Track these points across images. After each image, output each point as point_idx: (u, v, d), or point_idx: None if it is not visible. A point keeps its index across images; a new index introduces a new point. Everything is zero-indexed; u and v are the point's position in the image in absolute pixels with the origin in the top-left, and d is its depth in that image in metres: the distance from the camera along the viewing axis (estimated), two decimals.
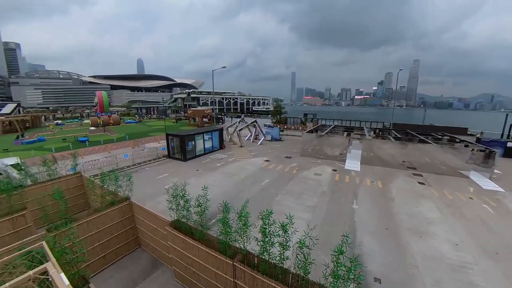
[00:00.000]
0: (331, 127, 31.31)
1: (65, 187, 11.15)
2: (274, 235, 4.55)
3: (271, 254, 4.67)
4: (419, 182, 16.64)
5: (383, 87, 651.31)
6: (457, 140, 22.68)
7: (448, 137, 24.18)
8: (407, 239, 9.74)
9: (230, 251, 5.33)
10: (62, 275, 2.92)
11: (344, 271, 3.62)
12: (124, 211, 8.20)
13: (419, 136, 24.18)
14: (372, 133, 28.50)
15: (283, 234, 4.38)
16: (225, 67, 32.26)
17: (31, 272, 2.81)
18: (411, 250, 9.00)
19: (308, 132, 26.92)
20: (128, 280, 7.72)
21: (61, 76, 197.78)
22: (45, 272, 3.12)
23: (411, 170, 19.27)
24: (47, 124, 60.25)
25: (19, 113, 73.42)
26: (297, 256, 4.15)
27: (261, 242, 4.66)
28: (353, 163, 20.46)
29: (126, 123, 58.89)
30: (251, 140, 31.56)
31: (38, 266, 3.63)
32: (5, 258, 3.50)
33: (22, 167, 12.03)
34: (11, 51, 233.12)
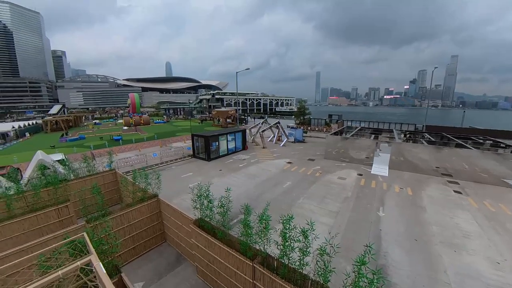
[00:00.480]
0: (357, 129, 30.10)
1: (102, 182, 12.22)
2: (294, 240, 4.56)
3: (290, 258, 4.68)
4: (455, 191, 15.32)
5: (415, 86, 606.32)
6: (502, 145, 20.43)
7: (491, 142, 21.89)
8: (439, 252, 9.03)
9: (250, 253, 5.44)
10: (100, 264, 3.24)
11: (366, 282, 3.52)
12: (152, 207, 8.77)
13: (456, 140, 22.24)
14: (402, 135, 26.86)
15: (304, 239, 4.37)
16: (248, 68, 32.71)
17: (79, 263, 3.15)
18: (443, 265, 8.33)
19: (333, 134, 26.18)
20: (154, 271, 8.23)
21: (99, 79, 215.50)
22: (88, 263, 3.49)
23: (446, 177, 17.80)
24: (85, 124, 66.24)
25: (64, 113, 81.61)
26: (317, 263, 4.12)
27: (281, 246, 4.69)
28: (380, 168, 19.47)
29: (155, 123, 62.42)
30: (274, 142, 31.54)
31: (79, 254, 4.08)
32: (53, 245, 3.96)
33: (66, 163, 13.39)
34: (58, 58, 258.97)
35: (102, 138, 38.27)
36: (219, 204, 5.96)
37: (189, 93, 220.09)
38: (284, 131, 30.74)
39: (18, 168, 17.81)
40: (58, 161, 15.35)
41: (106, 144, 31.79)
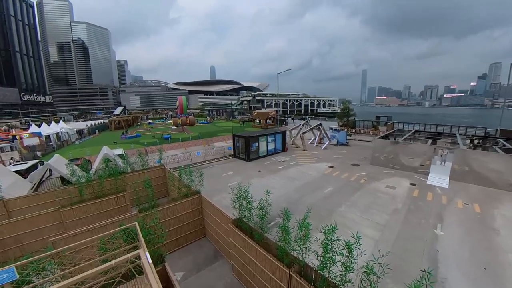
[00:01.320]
0: (410, 132, 26.97)
1: (152, 176, 13.51)
2: (337, 252, 4.22)
3: (331, 272, 4.35)
4: None
5: (486, 82, 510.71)
6: None
7: None
8: None
9: (287, 260, 5.26)
10: (147, 253, 3.50)
11: None
12: (195, 203, 9.30)
13: None
14: (468, 141, 23.05)
15: (348, 253, 4.00)
16: (290, 69, 32.29)
17: (129, 255, 3.47)
18: None
19: (382, 137, 23.97)
20: (193, 264, 8.67)
21: (153, 84, 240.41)
22: (138, 256, 3.82)
23: None
24: (139, 123, 74.44)
25: (125, 114, 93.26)
26: (361, 282, 3.73)
27: (322, 257, 4.40)
28: (439, 178, 17.01)
29: (199, 123, 66.59)
30: (315, 144, 30.46)
31: (131, 241, 4.50)
32: (111, 231, 4.48)
33: (125, 157, 15.20)
34: (121, 66, 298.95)
35: (154, 136, 42.47)
36: (258, 206, 5.93)
37: (231, 95, 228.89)
38: (326, 133, 29.43)
39: (89, 160, 20.98)
40: (119, 155, 17.55)
41: (157, 142, 35.19)
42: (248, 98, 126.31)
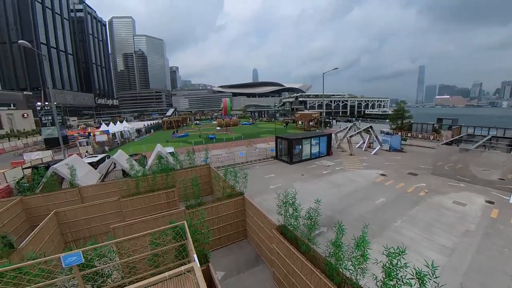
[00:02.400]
0: (485, 138, 22.62)
1: (198, 174, 14.19)
2: (403, 281, 3.53)
3: None
4: None
5: None
6: None
7: None
8: None
9: (337, 278, 4.70)
10: (195, 256, 3.46)
11: None
12: (238, 204, 9.33)
13: None
14: None
15: (419, 285, 3.30)
16: (337, 68, 30.56)
17: (183, 268, 3.47)
18: None
19: (446, 143, 20.69)
20: (234, 265, 8.64)
21: (200, 87, 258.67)
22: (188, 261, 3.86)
23: None
24: (185, 124, 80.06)
25: (175, 115, 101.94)
26: None
27: (383, 284, 3.75)
28: None
29: (242, 124, 68.42)
30: (364, 149, 28.08)
31: (179, 239, 4.58)
32: (162, 227, 4.65)
33: (175, 155, 16.34)
34: (173, 72, 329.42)
35: (201, 136, 45.15)
36: (307, 215, 5.49)
37: (273, 96, 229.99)
38: (377, 137, 26.83)
39: (145, 156, 23.31)
40: (170, 153, 19.01)
41: (203, 141, 37.28)
42: (290, 100, 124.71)
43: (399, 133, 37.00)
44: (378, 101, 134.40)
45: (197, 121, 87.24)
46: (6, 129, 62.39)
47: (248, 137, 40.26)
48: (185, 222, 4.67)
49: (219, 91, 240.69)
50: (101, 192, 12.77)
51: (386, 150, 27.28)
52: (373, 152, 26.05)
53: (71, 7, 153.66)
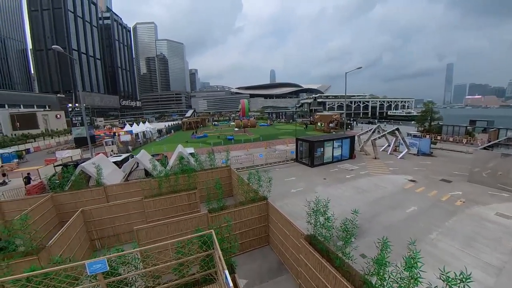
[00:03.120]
0: None
1: (219, 176, 14.01)
2: None
3: None
4: None
5: None
6: None
7: None
8: None
9: None
10: (226, 272, 3.12)
11: None
12: (261, 209, 8.94)
13: None
14: None
15: None
16: (361, 67, 29.25)
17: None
18: None
19: (485, 148, 18.85)
20: (257, 273, 8.23)
21: (218, 89, 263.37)
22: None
23: None
24: (201, 125, 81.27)
25: (194, 116, 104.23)
26: None
27: None
28: None
29: (260, 126, 68.17)
30: (389, 152, 26.53)
31: (205, 249, 4.28)
32: (188, 236, 4.39)
33: (196, 156, 16.34)
34: (192, 75, 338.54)
35: (219, 137, 45.50)
36: (343, 228, 4.97)
37: (290, 97, 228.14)
38: (404, 140, 25.21)
39: (166, 156, 23.74)
40: (191, 154, 19.11)
41: (222, 142, 37.46)
42: (309, 101, 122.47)
43: (428, 136, 34.63)
44: (402, 101, 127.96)
45: (215, 122, 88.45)
46: (42, 129, 67.33)
47: (267, 139, 39.84)
48: (212, 231, 4.37)
49: (236, 93, 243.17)
50: (125, 191, 13.02)
51: (414, 154, 25.55)
52: (399, 156, 24.50)
53: (99, 15, 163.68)
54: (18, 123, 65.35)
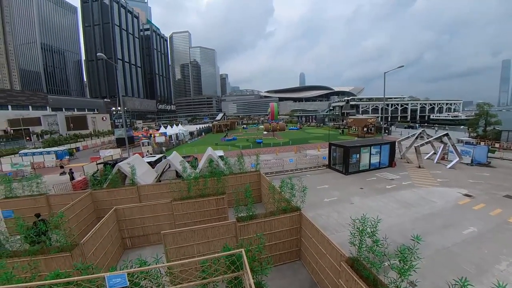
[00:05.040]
0: None
1: (248, 181, 13.59)
2: None
3: None
4: None
5: None
6: None
7: None
8: None
9: None
10: None
11: None
12: (294, 220, 8.19)
13: None
14: None
15: None
16: (402, 66, 26.60)
17: None
18: None
19: None
20: None
21: (247, 93, 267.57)
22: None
23: None
24: (232, 128, 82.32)
25: (224, 119, 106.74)
26: None
27: None
28: None
29: (289, 129, 66.91)
30: (435, 161, 23.55)
31: (234, 269, 3.73)
32: (216, 255, 3.90)
33: (225, 159, 16.18)
34: (223, 79, 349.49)
35: (248, 140, 45.51)
36: (399, 256, 4.04)
37: (320, 100, 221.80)
38: (455, 147, 22.14)
39: (196, 158, 24.19)
40: (220, 156, 19.09)
41: (251, 145, 37.28)
42: (341, 104, 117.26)
43: (483, 143, 30.18)
44: (447, 103, 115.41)
45: (244, 125, 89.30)
46: (90, 130, 74.97)
47: (296, 143, 38.62)
48: (243, 250, 3.83)
49: (265, 96, 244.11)
50: (156, 192, 13.28)
51: (467, 164, 22.29)
52: (449, 166, 21.55)
53: (141, 27, 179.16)
54: (72, 124, 73.76)
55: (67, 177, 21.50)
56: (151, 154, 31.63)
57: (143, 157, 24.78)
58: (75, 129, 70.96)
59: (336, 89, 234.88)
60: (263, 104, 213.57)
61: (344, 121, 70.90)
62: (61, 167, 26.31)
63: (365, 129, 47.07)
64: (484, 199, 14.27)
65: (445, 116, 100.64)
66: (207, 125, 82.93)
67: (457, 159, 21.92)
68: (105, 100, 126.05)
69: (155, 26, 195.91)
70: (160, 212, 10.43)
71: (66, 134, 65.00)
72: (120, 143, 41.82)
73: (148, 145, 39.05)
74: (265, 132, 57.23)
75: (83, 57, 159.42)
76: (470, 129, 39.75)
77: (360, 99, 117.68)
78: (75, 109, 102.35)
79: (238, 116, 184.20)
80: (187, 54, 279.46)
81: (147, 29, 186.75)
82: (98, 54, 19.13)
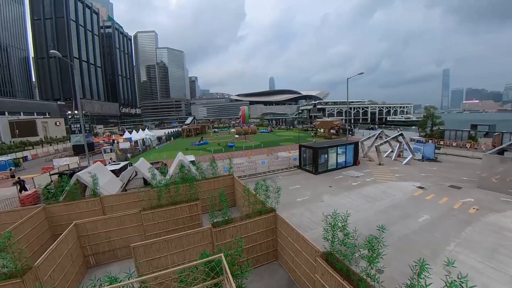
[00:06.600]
0: None
1: (222, 185, 13.39)
2: None
3: None
4: None
5: None
6: None
7: None
8: None
9: None
10: None
11: None
12: (269, 222, 8.29)
13: None
14: None
15: None
16: (362, 73, 28.91)
17: None
18: None
19: (495, 152, 18.33)
20: None
21: (218, 96, 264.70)
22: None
23: None
24: (200, 132, 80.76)
25: (194, 123, 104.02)
26: None
27: None
28: None
29: (260, 132, 67.71)
30: (393, 158, 25.96)
31: (214, 276, 3.66)
32: (194, 263, 3.77)
33: (197, 164, 15.73)
34: (192, 82, 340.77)
35: (220, 144, 44.92)
36: (367, 246, 4.36)
37: (289, 104, 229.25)
38: (409, 146, 24.69)
39: (166, 164, 23.10)
40: (191, 162, 18.50)
41: (222, 149, 36.87)
42: (309, 107, 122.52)
43: (430, 141, 34.16)
44: (401, 107, 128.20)
45: (215, 129, 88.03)
46: (41, 136, 66.74)
47: (268, 145, 39.26)
48: (222, 255, 3.77)
49: (236, 100, 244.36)
50: (123, 202, 12.34)
51: (419, 160, 25.02)
52: (404, 162, 23.93)
53: (101, 24, 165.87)
54: (17, 130, 64.81)
55: (14, 190, 18.74)
56: (114, 161, 29.34)
57: (105, 165, 22.90)
58: (21, 136, 62.48)
59: (304, 93, 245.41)
60: (234, 108, 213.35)
61: (313, 123, 74.22)
62: (12, 176, 23.88)
63: (332, 130, 49.85)
64: (433, 190, 16.12)
65: (399, 118, 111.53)
66: (176, 129, 79.83)
67: (411, 156, 24.47)
68: (59, 102, 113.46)
69: (118, 24, 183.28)
70: (128, 223, 9.72)
71: (11, 142, 56.95)
72: (77, 150, 38.03)
73: (111, 152, 36.14)
74: (236, 136, 57.13)
75: (32, 54, 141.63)
76: (420, 129, 44.64)
77: (326, 103, 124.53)
78: (21, 113, 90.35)
79: (209, 119, 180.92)
80: (153, 55, 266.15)
81: (108, 27, 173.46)
82: (51, 51, 17.26)
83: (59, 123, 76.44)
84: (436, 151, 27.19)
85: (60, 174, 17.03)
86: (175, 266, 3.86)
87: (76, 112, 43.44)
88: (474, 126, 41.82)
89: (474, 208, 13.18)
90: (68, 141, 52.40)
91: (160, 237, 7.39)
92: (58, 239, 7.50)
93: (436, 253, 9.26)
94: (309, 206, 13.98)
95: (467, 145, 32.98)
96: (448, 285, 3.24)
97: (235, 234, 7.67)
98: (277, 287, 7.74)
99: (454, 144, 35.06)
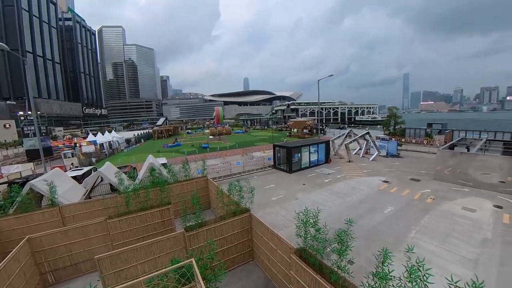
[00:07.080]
0: (482, 141, 22.62)
1: (195, 188, 13.01)
2: None
3: None
4: None
5: None
6: None
7: None
8: None
9: None
10: None
11: None
12: (244, 222, 8.26)
13: None
14: None
15: None
16: (332, 75, 30.42)
17: None
18: None
19: (446, 147, 20.47)
20: None
21: (191, 96, 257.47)
22: None
23: None
24: (177, 133, 78.23)
25: (166, 124, 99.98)
26: None
27: None
28: None
29: (235, 133, 67.35)
30: (361, 155, 27.62)
31: (185, 283, 3.52)
32: (162, 270, 3.59)
33: (168, 167, 15.12)
34: (164, 81, 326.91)
35: (193, 145, 43.74)
36: (337, 239, 4.55)
37: (264, 105, 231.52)
38: (375, 143, 26.48)
39: (135, 168, 21.84)
40: (163, 164, 17.72)
41: (196, 151, 35.93)
42: (282, 107, 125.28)
43: (394, 139, 37.11)
44: (367, 107, 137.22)
45: (189, 130, 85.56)
46: None
47: (243, 146, 39.23)
48: (193, 260, 3.64)
49: (210, 100, 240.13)
50: (86, 211, 11.36)
51: (384, 156, 26.96)
52: (371, 158, 25.61)
53: (60, 16, 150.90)
54: None
55: None
56: (76, 167, 26.96)
57: (66, 171, 20.92)
58: None
59: (278, 94, 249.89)
60: (208, 108, 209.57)
61: (287, 123, 75.95)
62: None
63: (305, 130, 51.48)
64: (396, 183, 17.49)
65: (367, 118, 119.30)
66: (147, 131, 75.95)
67: (376, 152, 26.28)
68: (8, 102, 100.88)
69: (79, 17, 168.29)
70: (93, 234, 8.97)
71: None
72: (32, 156, 34.20)
73: (73, 156, 33.14)
74: (211, 137, 56.16)
75: None
76: (384, 127, 48.17)
77: (299, 104, 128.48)
78: None
79: (182, 120, 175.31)
80: (120, 51, 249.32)
81: (68, 19, 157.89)
82: None
83: (9, 125, 68.14)
84: (398, 147, 29.59)
85: (10, 183, 15.16)
86: (146, 275, 3.63)
87: (29, 112, 38.98)
88: (429, 125, 46.42)
89: (431, 198, 14.57)
90: (21, 145, 46.94)
91: (129, 245, 6.94)
92: (7, 258, 6.63)
93: (399, 241, 10.04)
94: (283, 204, 14.25)
95: (424, 142, 36.39)
96: (408, 269, 3.51)
97: (210, 237, 7.51)
98: (254, 287, 7.75)
99: (414, 141, 38.44)
